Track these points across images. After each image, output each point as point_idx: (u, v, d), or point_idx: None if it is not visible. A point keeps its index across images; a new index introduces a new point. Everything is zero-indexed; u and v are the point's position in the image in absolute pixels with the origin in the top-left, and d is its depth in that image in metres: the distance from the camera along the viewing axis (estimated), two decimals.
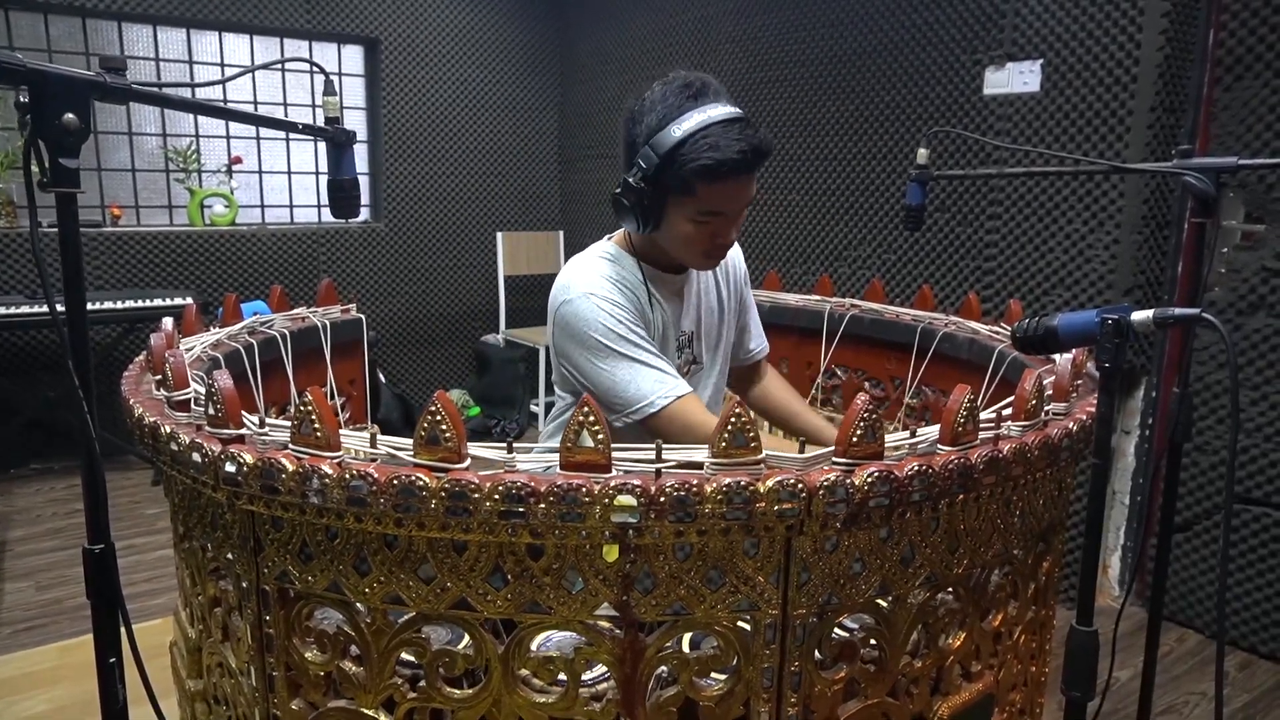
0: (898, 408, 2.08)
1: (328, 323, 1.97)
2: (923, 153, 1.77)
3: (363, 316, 2.09)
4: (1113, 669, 1.81)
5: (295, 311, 1.96)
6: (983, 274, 2.89)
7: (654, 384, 1.45)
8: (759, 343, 1.88)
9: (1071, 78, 2.57)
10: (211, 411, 1.08)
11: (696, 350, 1.70)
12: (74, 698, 2.14)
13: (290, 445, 1.02)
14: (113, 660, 1.00)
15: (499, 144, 4.79)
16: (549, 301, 1.54)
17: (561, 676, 1.04)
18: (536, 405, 4.39)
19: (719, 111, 1.38)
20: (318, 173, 4.53)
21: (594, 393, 1.45)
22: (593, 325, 1.45)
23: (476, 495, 0.94)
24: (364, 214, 4.54)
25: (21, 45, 3.70)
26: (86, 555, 0.97)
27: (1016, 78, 2.72)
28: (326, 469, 0.97)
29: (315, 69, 1.22)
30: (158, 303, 3.58)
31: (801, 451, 1.03)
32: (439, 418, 0.96)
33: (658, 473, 0.97)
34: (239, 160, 4.26)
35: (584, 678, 1.05)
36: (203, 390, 1.16)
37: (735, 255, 1.77)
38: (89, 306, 1.02)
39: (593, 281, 1.50)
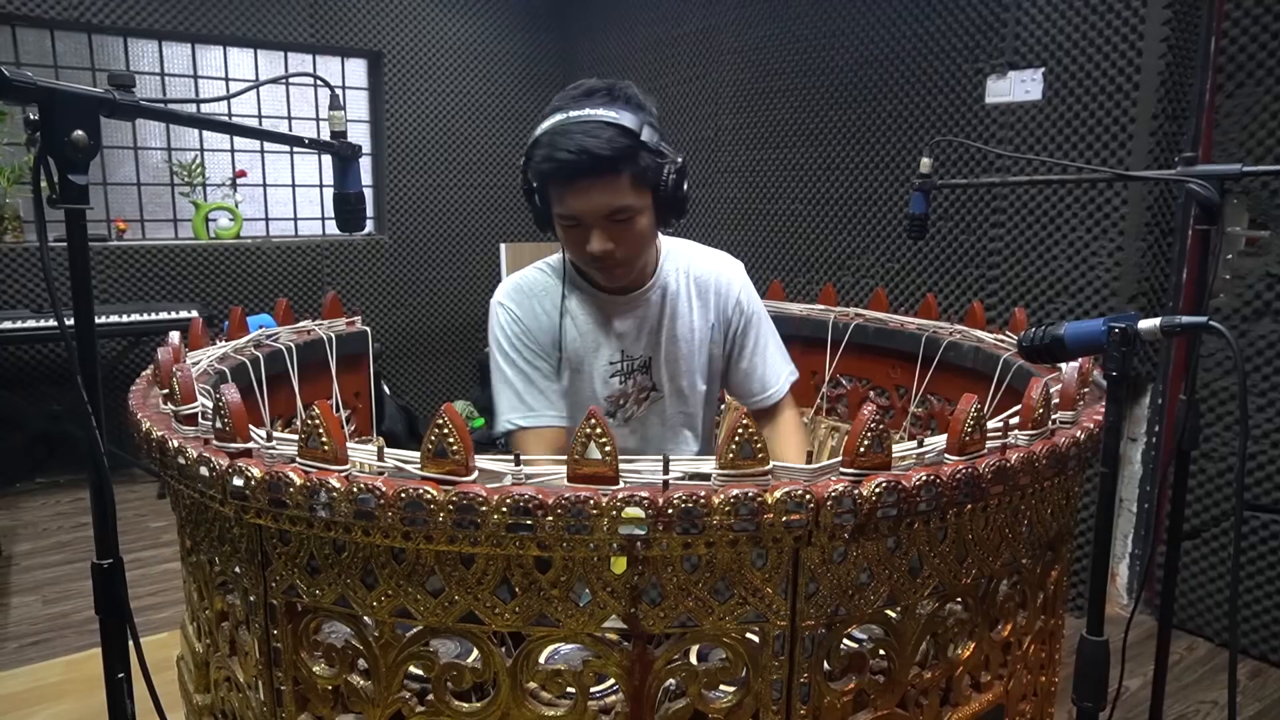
0: (903, 417, 2.08)
1: (333, 335, 1.97)
2: (926, 162, 1.77)
3: (368, 329, 2.10)
4: (1122, 678, 1.80)
5: (300, 324, 1.96)
6: (986, 282, 2.89)
7: (510, 406, 1.53)
8: (765, 386, 1.67)
9: (1073, 86, 2.57)
10: (219, 425, 1.08)
11: (656, 377, 1.60)
12: (80, 712, 2.14)
13: (297, 459, 1.02)
14: (121, 675, 0.99)
15: (502, 155, 4.81)
16: None
17: (570, 689, 1.03)
18: None
19: (581, 112, 1.34)
20: (321, 185, 4.55)
21: None
22: (492, 333, 1.57)
23: (484, 508, 0.94)
24: (368, 226, 4.55)
25: (28, 61, 3.73)
26: (95, 570, 0.97)
27: (1018, 86, 2.72)
28: (334, 482, 0.97)
29: (321, 83, 1.23)
30: (163, 316, 3.60)
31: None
32: (446, 430, 0.96)
33: (665, 484, 0.97)
34: (243, 174, 4.28)
35: (592, 690, 1.04)
36: (210, 404, 1.16)
37: (724, 285, 1.62)
38: (95, 320, 1.03)
39: (509, 289, 1.59)
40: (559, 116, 1.36)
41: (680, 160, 1.41)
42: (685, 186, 1.43)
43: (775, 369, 1.68)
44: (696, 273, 1.61)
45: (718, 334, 1.63)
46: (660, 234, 1.61)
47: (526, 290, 1.58)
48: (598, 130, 1.32)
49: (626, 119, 1.34)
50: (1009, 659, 1.26)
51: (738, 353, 1.66)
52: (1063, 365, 1.42)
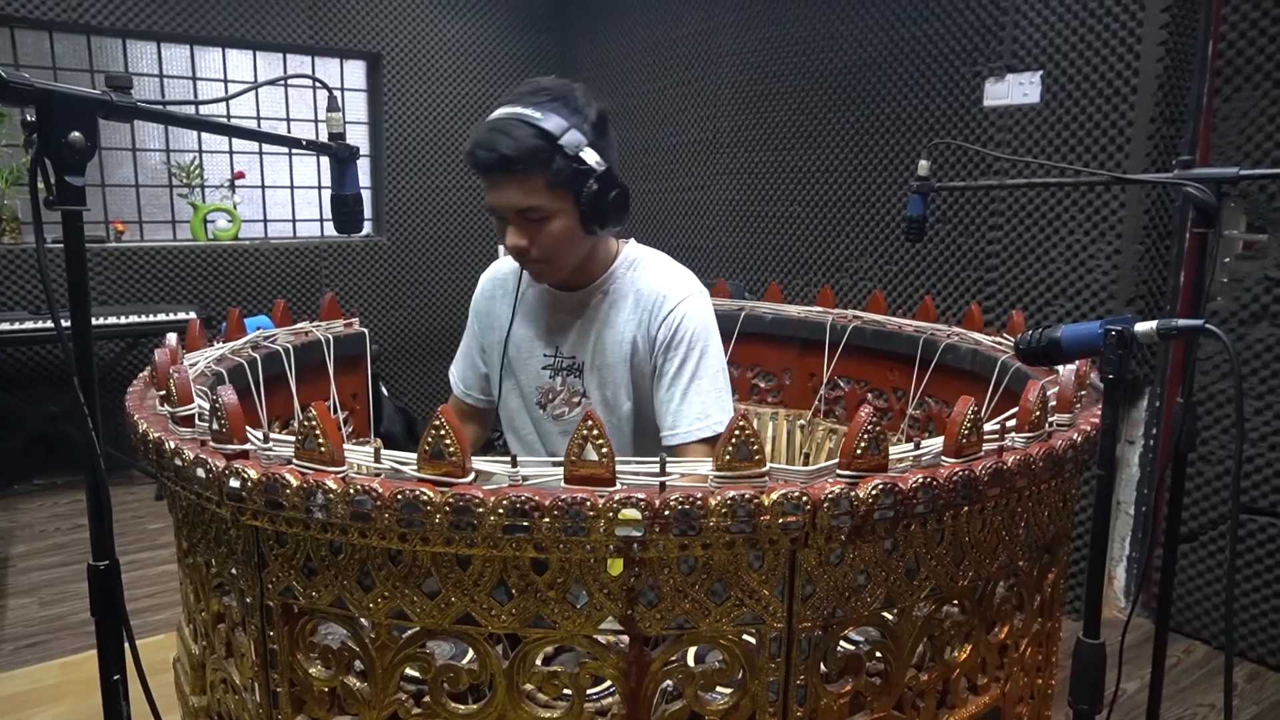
0: (900, 419, 2.08)
1: (331, 337, 1.97)
2: (924, 164, 1.77)
3: (366, 330, 2.10)
4: (1120, 681, 1.80)
5: (298, 326, 1.96)
6: (984, 285, 2.89)
7: (454, 364, 1.76)
8: (673, 424, 1.47)
9: (1071, 89, 2.58)
10: (215, 427, 1.08)
11: (586, 383, 1.57)
12: (77, 714, 2.13)
13: (294, 460, 1.02)
14: (116, 678, 0.99)
15: None
16: None
17: (566, 691, 1.03)
18: None
19: (514, 110, 1.36)
20: (320, 187, 4.55)
21: None
22: None
23: (480, 510, 0.94)
24: (366, 228, 4.55)
25: (27, 63, 3.72)
26: (91, 572, 0.97)
27: (1016, 89, 2.73)
28: (330, 484, 0.97)
29: (319, 85, 1.23)
30: (161, 318, 3.60)
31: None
32: (443, 432, 0.96)
33: (662, 486, 0.97)
34: (242, 175, 4.28)
35: (589, 692, 1.04)
36: (207, 406, 1.16)
37: (661, 301, 1.51)
38: (93, 322, 1.03)
39: (489, 271, 1.72)
40: (496, 110, 1.40)
41: (603, 169, 1.39)
42: (612, 196, 1.40)
43: (692, 410, 1.46)
44: (642, 285, 1.54)
45: (642, 349, 1.52)
46: (634, 241, 1.60)
47: (498, 275, 1.69)
48: (514, 129, 1.34)
49: (551, 122, 1.35)
50: (1006, 661, 1.26)
51: (657, 378, 1.52)
52: (1060, 368, 1.42)
